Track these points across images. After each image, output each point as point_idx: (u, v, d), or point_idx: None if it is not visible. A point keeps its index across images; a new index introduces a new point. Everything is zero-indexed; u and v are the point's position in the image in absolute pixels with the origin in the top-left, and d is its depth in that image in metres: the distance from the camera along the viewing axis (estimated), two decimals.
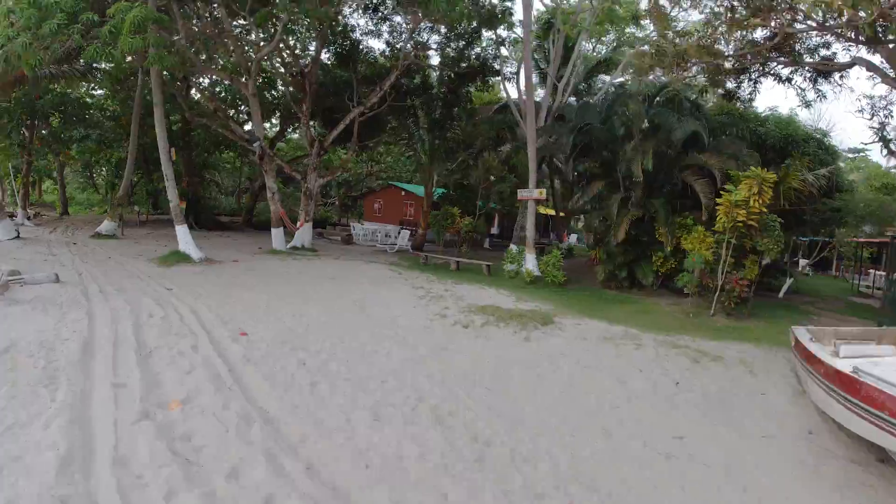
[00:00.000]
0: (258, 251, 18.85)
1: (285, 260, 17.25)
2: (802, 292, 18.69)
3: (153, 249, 17.57)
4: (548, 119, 20.32)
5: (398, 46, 21.06)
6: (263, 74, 24.35)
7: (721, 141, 16.87)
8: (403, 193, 30.58)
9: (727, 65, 16.01)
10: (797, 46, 15.35)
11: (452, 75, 22.20)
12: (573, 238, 34.90)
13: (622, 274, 17.48)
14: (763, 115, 19.35)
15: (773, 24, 13.04)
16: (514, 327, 9.91)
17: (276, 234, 19.29)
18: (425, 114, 23.49)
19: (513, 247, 20.41)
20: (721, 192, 13.02)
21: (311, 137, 20.37)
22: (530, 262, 17.35)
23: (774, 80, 17.75)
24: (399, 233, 26.59)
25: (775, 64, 16.63)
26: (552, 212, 28.17)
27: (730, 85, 18.22)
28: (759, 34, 14.79)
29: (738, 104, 18.84)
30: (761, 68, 17.14)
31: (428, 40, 20.79)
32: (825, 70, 16.35)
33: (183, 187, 26.91)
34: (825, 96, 17.33)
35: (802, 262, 24.35)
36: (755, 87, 18.14)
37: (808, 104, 17.69)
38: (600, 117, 18.34)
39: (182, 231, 15.76)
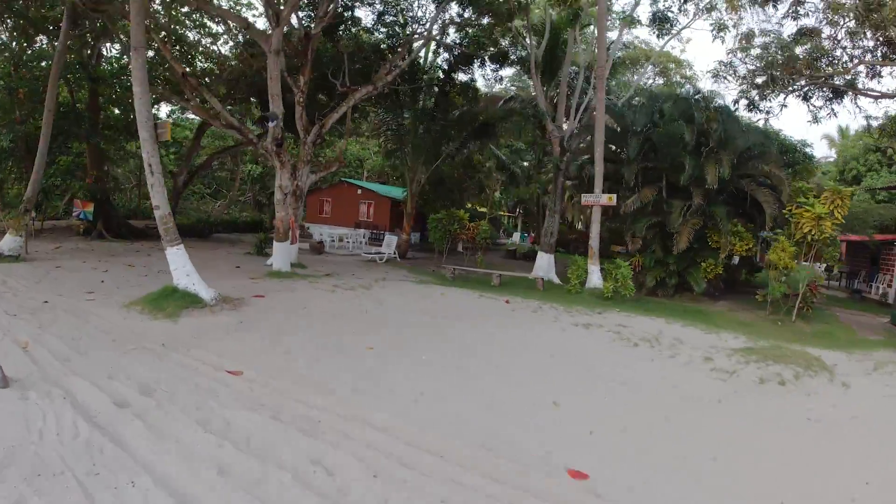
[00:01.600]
0: (252, 274, 12.88)
1: (314, 286, 11.74)
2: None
3: (105, 281, 10.99)
4: (576, 118, 16.92)
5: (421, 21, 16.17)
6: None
7: (770, 153, 15.53)
8: (360, 192, 25.16)
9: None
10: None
11: (452, 58, 17.67)
12: (516, 237, 32.27)
13: (673, 281, 15.21)
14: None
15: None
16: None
17: (281, 249, 13.42)
18: (412, 100, 18.77)
19: (540, 255, 16.80)
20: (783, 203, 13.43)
21: (305, 121, 14.56)
22: (595, 275, 14.04)
23: (797, 97, 16.75)
24: (381, 239, 21.51)
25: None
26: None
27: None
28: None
29: (762, 117, 17.42)
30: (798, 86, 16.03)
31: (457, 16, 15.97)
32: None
33: (88, 184, 18.94)
34: (836, 114, 16.82)
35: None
36: (784, 102, 16.82)
37: (817, 120, 16.97)
38: (651, 120, 15.56)
39: (178, 256, 9.62)
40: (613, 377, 7.07)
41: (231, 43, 21.89)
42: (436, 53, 18.25)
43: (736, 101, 17.26)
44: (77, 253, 14.82)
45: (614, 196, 14.65)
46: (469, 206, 23.15)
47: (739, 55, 15.56)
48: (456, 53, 17.16)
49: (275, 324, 8.52)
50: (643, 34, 22.97)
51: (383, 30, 17.54)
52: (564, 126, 17.63)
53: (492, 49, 16.74)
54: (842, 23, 15.18)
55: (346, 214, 24.93)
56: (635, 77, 21.35)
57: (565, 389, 6.47)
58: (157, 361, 6.46)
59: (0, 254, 12.59)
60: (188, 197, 32.32)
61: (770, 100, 17.33)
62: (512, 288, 14.39)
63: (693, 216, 14.32)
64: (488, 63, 17.51)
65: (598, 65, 14.69)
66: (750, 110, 17.50)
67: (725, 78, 16.01)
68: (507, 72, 19.26)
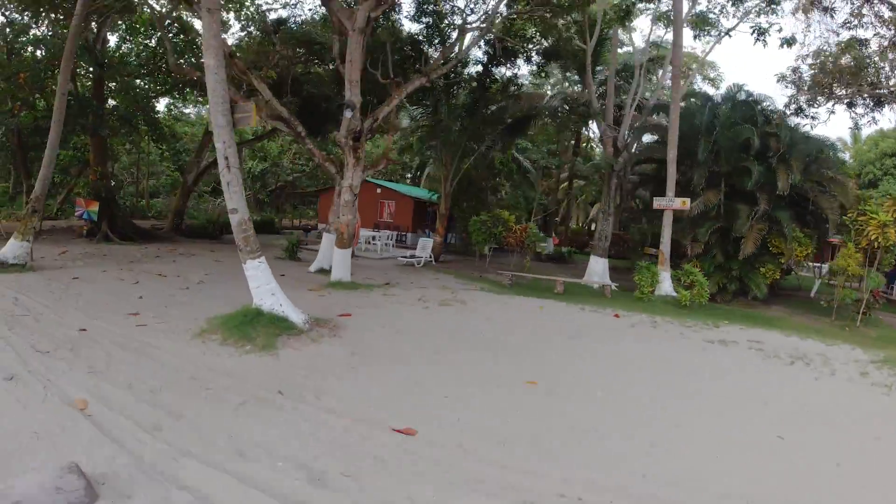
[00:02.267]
0: (309, 286, 10.79)
1: (395, 300, 9.79)
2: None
3: (143, 297, 8.73)
4: (629, 118, 15.31)
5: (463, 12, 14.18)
6: None
7: (829, 159, 14.82)
8: (379, 191, 22.99)
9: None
10: None
11: (493, 52, 15.76)
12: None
13: (733, 286, 14.02)
14: None
15: None
16: None
17: (343, 258, 11.30)
18: (446, 95, 16.86)
19: (594, 259, 15.19)
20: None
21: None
22: (667, 282, 12.60)
23: (843, 105, 15.84)
24: (404, 240, 19.56)
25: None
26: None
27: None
28: None
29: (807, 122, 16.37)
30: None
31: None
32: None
33: (91, 182, 16.33)
34: (877, 122, 16.20)
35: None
36: (832, 108, 15.80)
37: (858, 127, 16.27)
38: (712, 123, 14.17)
39: (260, 270, 7.47)
40: (803, 403, 6.05)
41: (243, 32, 19.55)
42: (477, 46, 16.35)
43: (787, 106, 16.11)
44: (89, 259, 12.36)
45: (687, 200, 13.18)
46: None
47: (809, 61, 14.41)
48: (501, 47, 15.29)
49: (393, 353, 6.61)
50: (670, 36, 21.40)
51: (425, 20, 15.55)
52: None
53: (543, 43, 14.92)
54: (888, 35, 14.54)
55: (364, 215, 22.69)
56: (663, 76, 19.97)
57: (774, 421, 5.20)
58: (287, 420, 4.53)
59: (3, 262, 10.11)
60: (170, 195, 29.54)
61: (816, 106, 16.39)
62: (576, 296, 12.78)
63: (759, 221, 13.25)
64: (534, 58, 15.68)
65: (674, 64, 13.16)
66: (797, 115, 16.42)
67: (793, 84, 14.89)
68: (524, 70, 17.42)
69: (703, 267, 13.84)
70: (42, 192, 10.61)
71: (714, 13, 16.28)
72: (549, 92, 21.86)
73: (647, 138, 18.08)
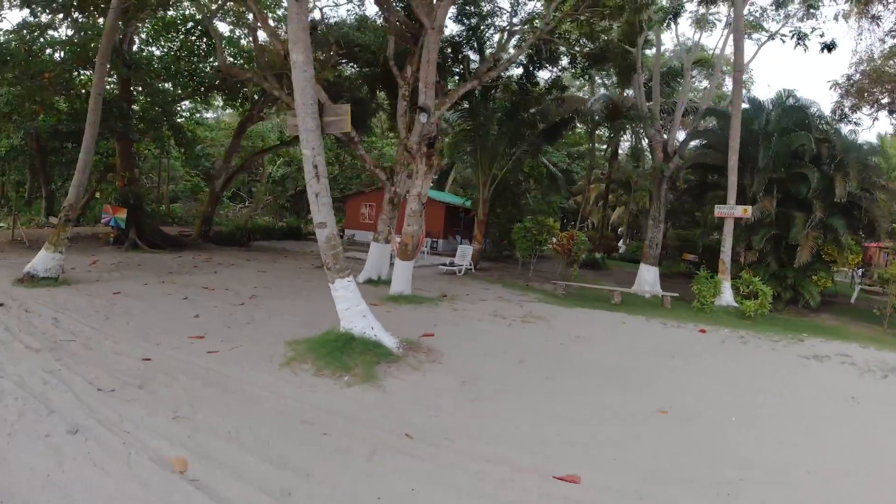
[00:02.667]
0: (368, 299, 9.64)
1: (468, 315, 8.70)
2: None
3: (199, 316, 7.60)
4: (678, 122, 14.34)
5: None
6: None
7: (875, 166, 14.16)
8: None
9: None
10: None
11: (536, 54, 14.74)
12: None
13: (787, 295, 13.17)
14: None
15: None
16: None
17: (405, 270, 10.20)
18: (483, 98, 15.85)
19: (645, 268, 14.15)
20: None
21: (407, 118, 11.40)
22: (728, 292, 11.61)
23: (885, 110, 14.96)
24: (436, 247, 18.47)
25: None
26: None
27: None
28: None
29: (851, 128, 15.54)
30: None
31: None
32: None
33: (119, 187, 15.21)
34: None
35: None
36: (876, 115, 14.94)
37: None
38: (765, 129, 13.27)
39: (350, 290, 6.29)
40: None
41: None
42: (519, 48, 15.35)
43: (834, 112, 15.21)
44: (124, 270, 11.22)
45: (749, 208, 12.22)
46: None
47: (861, 67, 13.56)
48: (547, 49, 14.29)
49: (504, 381, 5.60)
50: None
51: (467, 21, 14.56)
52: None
53: (587, 45, 13.90)
54: None
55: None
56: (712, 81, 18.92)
57: None
58: (432, 472, 3.55)
59: (34, 276, 8.97)
60: (191, 200, 28.40)
61: (860, 112, 15.53)
62: (634, 306, 11.80)
63: (814, 229, 12.41)
64: (579, 61, 14.66)
65: (736, 69, 12.24)
66: (840, 120, 15.53)
67: (845, 91, 14.06)
68: (544, 73, 16.31)
69: (758, 275, 12.90)
70: (77, 200, 9.48)
71: (755, 16, 15.41)
72: (580, 95, 20.85)
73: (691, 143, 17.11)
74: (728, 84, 22.22)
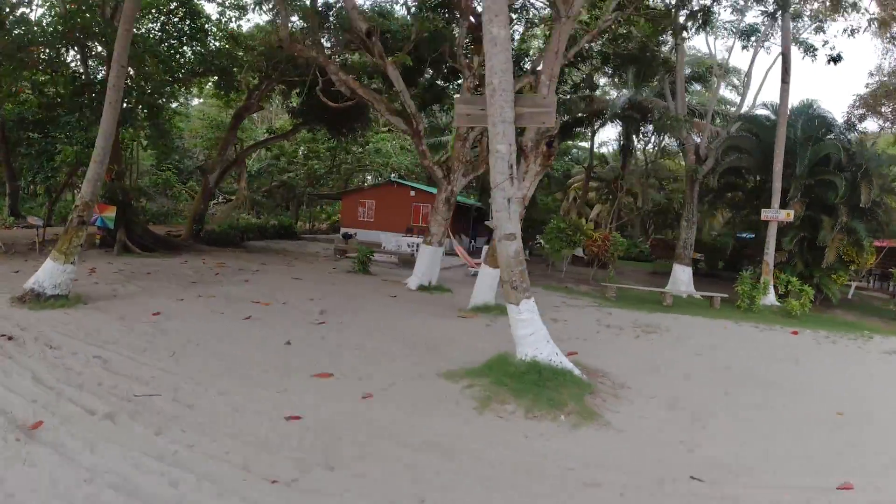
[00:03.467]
0: (455, 311, 8.12)
1: (563, 326, 7.25)
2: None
3: (304, 349, 5.69)
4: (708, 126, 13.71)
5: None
6: None
7: (887, 174, 14.16)
8: (413, 193, 20.11)
9: None
10: None
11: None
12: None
13: (811, 293, 13.02)
14: None
15: None
16: None
17: (490, 278, 8.61)
18: None
19: (679, 268, 13.46)
20: None
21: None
22: (772, 292, 11.25)
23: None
24: (452, 247, 16.88)
25: None
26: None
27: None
28: None
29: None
30: None
31: None
32: None
33: (107, 182, 12.47)
34: None
35: None
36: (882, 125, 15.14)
37: None
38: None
39: (533, 313, 4.83)
40: None
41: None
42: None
43: (846, 122, 15.31)
44: (136, 280, 8.86)
45: (791, 212, 11.90)
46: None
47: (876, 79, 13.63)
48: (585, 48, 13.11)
49: (698, 401, 4.63)
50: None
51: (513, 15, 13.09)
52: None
53: (626, 46, 12.91)
54: None
55: (394, 218, 19.86)
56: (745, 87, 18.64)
57: None
58: None
59: (40, 294, 6.63)
60: (169, 196, 24.93)
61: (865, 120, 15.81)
62: (686, 307, 11.12)
63: (839, 232, 12.31)
64: (612, 60, 13.66)
65: (783, 80, 11.73)
66: (850, 130, 15.71)
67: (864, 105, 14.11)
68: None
69: (787, 275, 12.66)
70: (93, 197, 7.15)
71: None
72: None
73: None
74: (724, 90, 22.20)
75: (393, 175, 24.47)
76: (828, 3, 11.81)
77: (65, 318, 6.10)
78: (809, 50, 13.89)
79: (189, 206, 23.41)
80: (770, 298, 11.62)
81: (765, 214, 11.90)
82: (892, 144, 15.45)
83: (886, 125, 14.97)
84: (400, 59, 9.49)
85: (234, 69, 14.90)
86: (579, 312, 9.11)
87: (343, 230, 18.84)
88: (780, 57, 12.21)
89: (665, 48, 13.74)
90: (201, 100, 23.25)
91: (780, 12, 11.40)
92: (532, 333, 4.80)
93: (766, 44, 14.16)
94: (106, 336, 5.56)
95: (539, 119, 5.12)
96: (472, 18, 9.59)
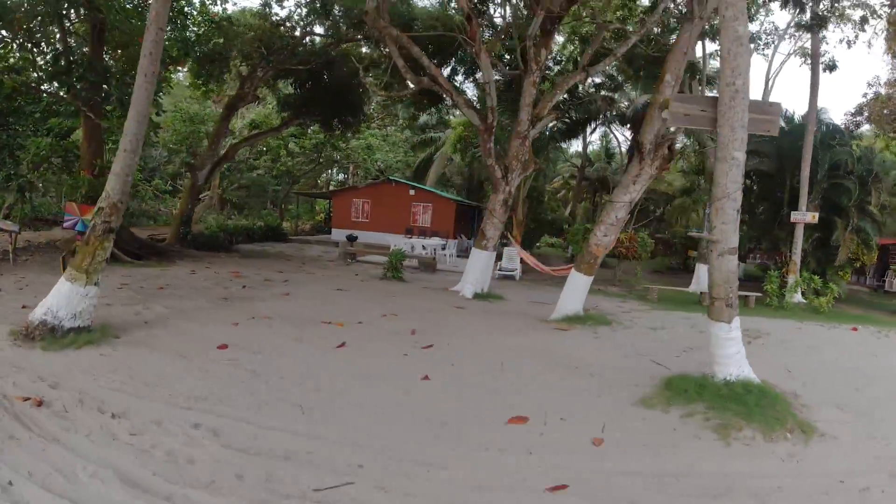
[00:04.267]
0: (539, 322, 6.97)
1: (655, 335, 6.39)
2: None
3: (463, 391, 4.28)
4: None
5: None
6: None
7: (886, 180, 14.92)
8: (412, 193, 18.57)
9: None
10: None
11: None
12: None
13: None
14: None
15: None
16: None
17: (581, 285, 7.47)
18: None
19: (703, 268, 13.14)
20: None
21: (531, 109, 8.62)
22: (798, 290, 11.27)
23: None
24: (454, 248, 15.71)
25: None
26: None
27: None
28: None
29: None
30: None
31: None
32: None
33: (87, 178, 10.15)
34: None
35: None
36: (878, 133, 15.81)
37: None
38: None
39: (740, 332, 4.13)
40: None
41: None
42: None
43: (846, 128, 15.79)
44: (152, 299, 6.91)
45: (816, 214, 11.92)
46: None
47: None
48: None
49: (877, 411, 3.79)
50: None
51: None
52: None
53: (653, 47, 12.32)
54: None
55: (392, 219, 18.29)
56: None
57: None
58: None
59: (55, 327, 4.73)
60: (133, 195, 21.55)
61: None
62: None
63: (851, 233, 12.61)
64: (635, 62, 13.04)
65: (812, 93, 11.61)
66: (851, 137, 16.32)
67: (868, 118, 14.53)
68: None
69: (808, 273, 12.77)
70: (123, 197, 5.26)
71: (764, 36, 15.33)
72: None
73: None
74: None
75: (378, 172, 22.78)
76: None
77: (105, 363, 4.33)
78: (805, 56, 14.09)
79: (153, 207, 20.40)
80: (797, 296, 11.59)
81: (794, 217, 11.90)
82: (884, 148, 16.18)
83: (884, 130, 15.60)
84: (492, 47, 8.24)
85: (227, 56, 12.73)
86: (658, 318, 8.32)
87: (347, 233, 17.07)
88: (810, 68, 12.16)
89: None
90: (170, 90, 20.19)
91: (816, 28, 11.31)
92: (738, 352, 4.31)
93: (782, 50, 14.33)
94: (182, 388, 3.91)
95: (763, 127, 4.44)
96: (551, 8, 8.43)
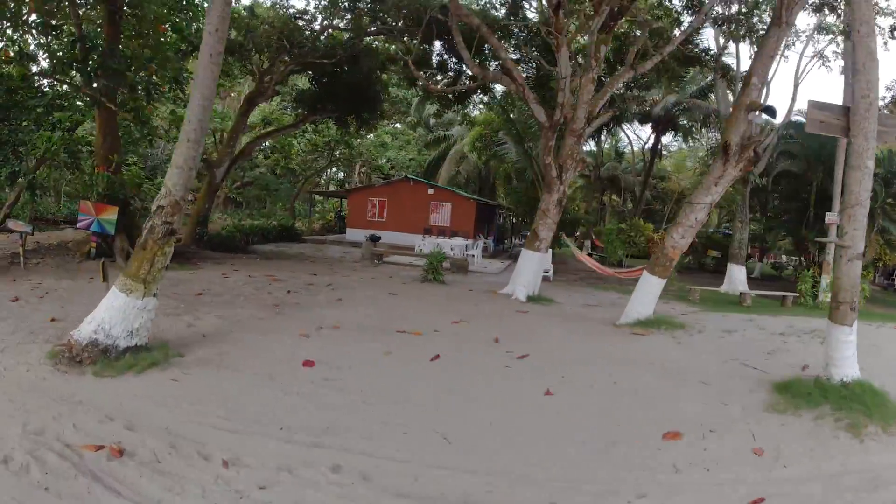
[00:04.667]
0: (617, 328, 6.40)
1: (733, 338, 5.89)
2: None
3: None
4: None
5: None
6: None
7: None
8: (431, 192, 17.82)
9: None
10: None
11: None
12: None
13: None
14: None
15: None
16: None
17: (657, 288, 6.92)
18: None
19: (735, 268, 12.77)
20: None
21: (592, 104, 8.03)
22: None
23: None
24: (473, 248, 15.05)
25: None
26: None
27: None
28: None
29: None
30: None
31: None
32: None
33: (103, 174, 9.20)
34: None
35: None
36: None
37: None
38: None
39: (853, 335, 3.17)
40: None
41: None
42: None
43: None
44: (197, 306, 6.12)
45: None
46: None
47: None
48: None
49: None
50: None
51: None
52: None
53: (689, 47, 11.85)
54: None
55: (410, 218, 17.53)
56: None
57: None
58: None
59: (109, 348, 3.94)
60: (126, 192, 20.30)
61: None
62: (765, 307, 10.40)
63: (875, 233, 12.43)
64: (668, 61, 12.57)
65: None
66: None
67: None
68: None
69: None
70: (184, 195, 4.48)
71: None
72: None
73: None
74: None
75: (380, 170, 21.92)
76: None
77: (182, 391, 3.59)
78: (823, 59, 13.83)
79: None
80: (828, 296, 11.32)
81: (829, 218, 11.56)
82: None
83: None
84: (604, 40, 7.62)
85: (248, 48, 11.84)
86: (719, 321, 7.82)
87: (364, 233, 16.26)
88: (842, 73, 11.85)
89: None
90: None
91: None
92: (853, 354, 4.33)
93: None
94: (294, 419, 3.21)
95: (883, 137, 4.37)
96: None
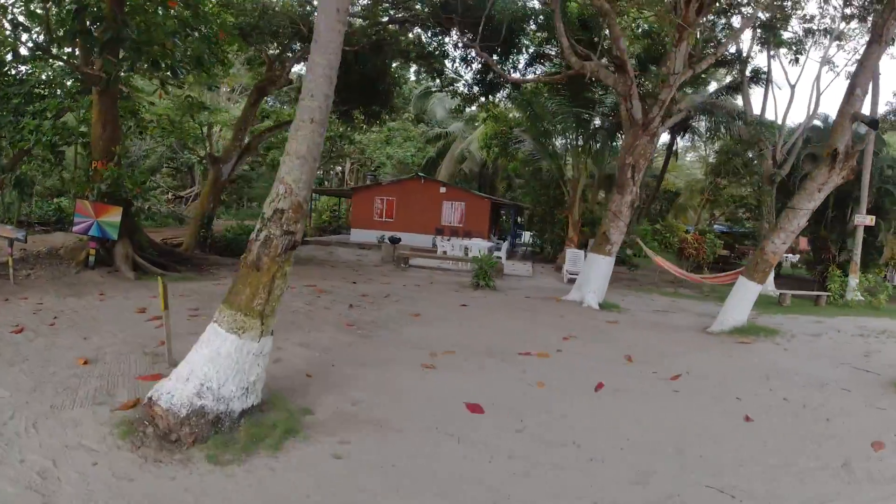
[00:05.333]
0: (724, 337, 5.77)
1: (826, 337, 5.82)
2: None
3: None
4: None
5: None
6: None
7: None
8: (444, 190, 16.69)
9: None
10: None
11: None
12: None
13: None
14: None
15: None
16: None
17: (750, 294, 6.35)
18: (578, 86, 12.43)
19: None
20: None
21: (661, 101, 7.36)
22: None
23: None
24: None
25: None
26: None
27: None
28: None
29: None
30: None
31: None
32: None
33: (104, 170, 7.60)
34: None
35: None
36: None
37: None
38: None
39: None
40: None
41: None
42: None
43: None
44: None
45: (874, 217, 11.74)
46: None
47: None
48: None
49: None
50: None
51: None
52: None
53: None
54: None
55: (420, 218, 16.39)
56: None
57: None
58: None
59: (220, 415, 2.78)
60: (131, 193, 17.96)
61: None
62: (802, 307, 10.31)
63: (893, 234, 12.68)
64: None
65: (873, 102, 11.26)
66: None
67: None
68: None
69: (863, 274, 12.67)
70: (308, 192, 3.31)
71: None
72: None
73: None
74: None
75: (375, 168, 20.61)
76: None
77: (366, 479, 2.52)
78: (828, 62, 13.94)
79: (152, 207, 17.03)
80: (858, 295, 11.32)
81: (857, 220, 11.65)
82: None
83: None
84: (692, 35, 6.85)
85: (264, 31, 10.32)
86: (796, 324, 7.42)
87: (389, 234, 14.95)
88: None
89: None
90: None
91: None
92: None
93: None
94: (530, 494, 2.22)
95: None
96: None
